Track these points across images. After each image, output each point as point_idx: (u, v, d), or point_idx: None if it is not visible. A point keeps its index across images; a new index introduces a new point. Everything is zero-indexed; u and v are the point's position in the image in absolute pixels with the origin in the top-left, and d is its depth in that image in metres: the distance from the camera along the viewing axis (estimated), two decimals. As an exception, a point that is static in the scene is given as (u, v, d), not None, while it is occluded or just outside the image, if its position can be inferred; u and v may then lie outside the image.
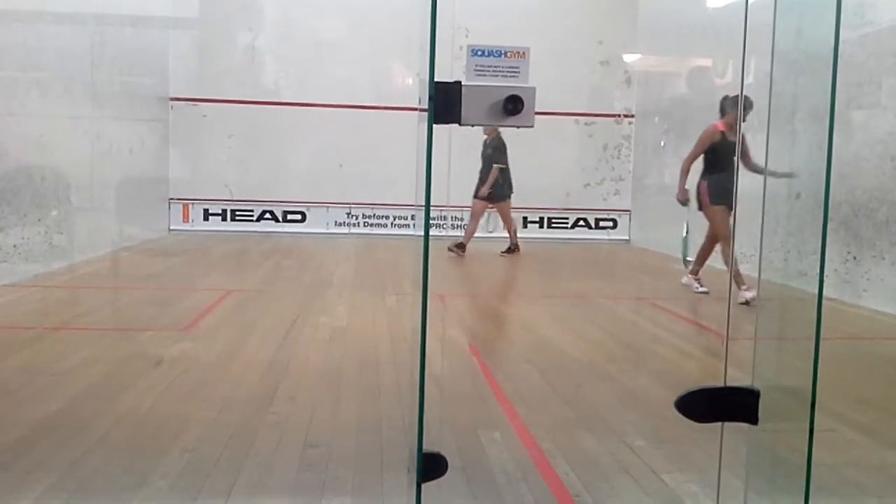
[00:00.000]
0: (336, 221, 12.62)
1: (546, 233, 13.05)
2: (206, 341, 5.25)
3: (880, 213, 6.82)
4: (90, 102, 9.26)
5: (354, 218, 12.63)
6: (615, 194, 13.13)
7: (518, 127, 2.14)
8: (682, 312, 6.75)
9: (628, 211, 13.09)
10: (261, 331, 5.59)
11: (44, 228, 7.85)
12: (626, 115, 13.02)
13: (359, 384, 4.45)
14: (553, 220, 13.13)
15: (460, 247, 10.23)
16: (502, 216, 10.85)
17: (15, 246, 7.26)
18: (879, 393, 4.55)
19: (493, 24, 9.85)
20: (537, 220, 13.12)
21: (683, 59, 11.58)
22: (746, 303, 5.94)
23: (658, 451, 3.31)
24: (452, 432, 3.43)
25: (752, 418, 2.36)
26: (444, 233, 11.85)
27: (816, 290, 2.38)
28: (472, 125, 2.12)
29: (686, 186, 7.37)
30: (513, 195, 10.70)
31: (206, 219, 12.53)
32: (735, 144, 6.30)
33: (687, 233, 7.49)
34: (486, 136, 10.03)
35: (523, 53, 2.13)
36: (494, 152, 10.04)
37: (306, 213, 12.64)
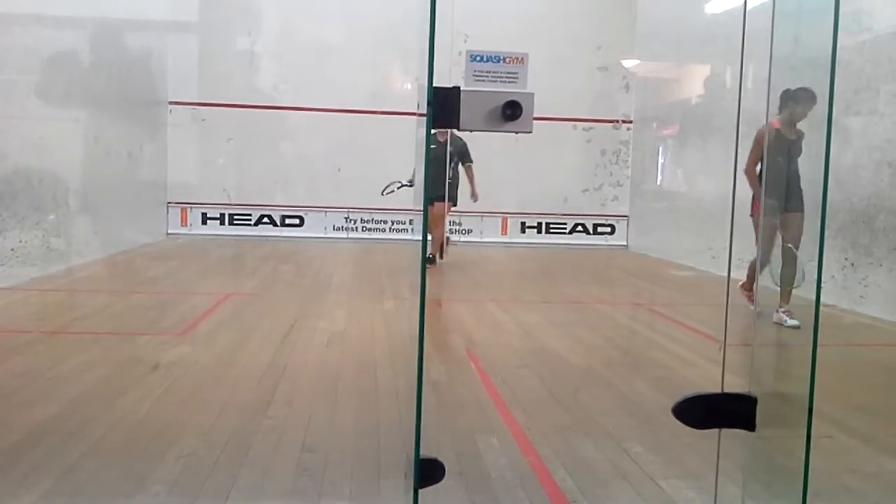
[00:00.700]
0: (334, 226, 12.63)
1: (544, 238, 13.06)
2: (204, 345, 5.24)
3: (878, 220, 6.83)
4: (89, 106, 9.26)
5: (353, 222, 12.64)
6: (613, 200, 13.14)
7: (516, 132, 2.14)
8: (679, 318, 6.75)
9: (626, 216, 13.10)
10: (258, 335, 5.58)
11: (41, 232, 7.84)
12: (624, 121, 13.04)
13: (356, 389, 4.44)
14: (551, 226, 13.14)
15: (430, 259, 9.67)
16: (441, 218, 9.89)
17: (12, 249, 7.25)
18: (877, 400, 4.55)
19: (491, 30, 9.92)
20: (535, 225, 13.14)
21: (682, 65, 11.60)
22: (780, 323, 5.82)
23: (655, 458, 3.31)
24: (450, 438, 3.42)
25: (750, 425, 2.36)
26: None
27: (814, 297, 2.39)
28: (471, 130, 2.13)
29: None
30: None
31: (204, 223, 12.53)
32: (791, 142, 5.82)
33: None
34: (441, 140, 9.08)
35: (522, 59, 2.14)
36: (461, 153, 9.52)
37: (304, 217, 12.64)
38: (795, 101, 6.04)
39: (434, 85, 2.06)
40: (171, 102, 12.24)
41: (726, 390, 2.42)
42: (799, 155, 5.43)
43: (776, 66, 2.38)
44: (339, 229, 12.65)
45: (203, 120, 12.32)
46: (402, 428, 3.52)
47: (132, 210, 10.91)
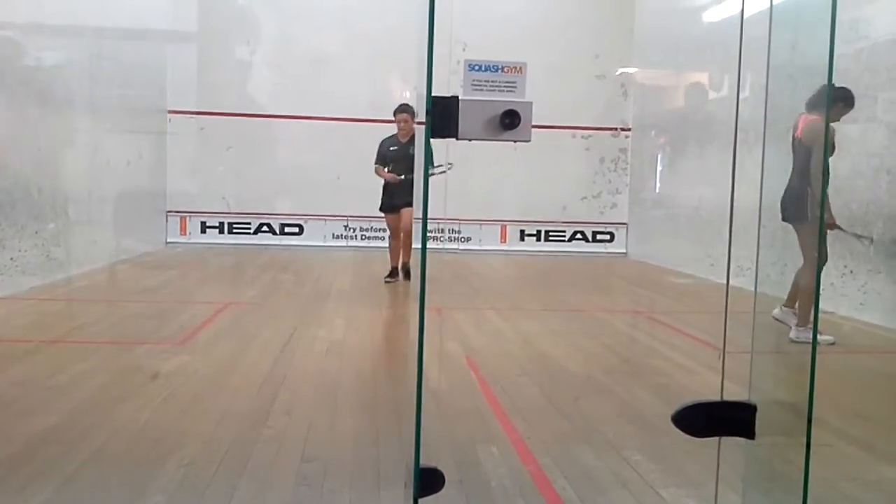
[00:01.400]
0: (333, 234, 12.63)
1: (543, 246, 13.07)
2: (203, 354, 5.24)
3: (876, 227, 6.84)
4: (88, 115, 9.27)
5: (352, 230, 12.64)
6: (612, 207, 13.16)
7: (515, 141, 2.14)
8: (679, 326, 6.75)
9: (625, 224, 13.11)
10: (258, 344, 5.58)
11: (41, 241, 7.84)
12: (622, 129, 13.06)
13: (356, 398, 4.44)
14: (550, 233, 13.15)
15: (394, 273, 8.90)
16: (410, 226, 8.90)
17: (12, 259, 7.25)
18: (877, 407, 4.54)
19: (490, 39, 9.93)
20: (535, 233, 13.15)
21: (680, 72, 11.63)
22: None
23: (655, 466, 3.31)
24: (450, 447, 3.42)
25: (749, 433, 2.36)
26: (441, 245, 11.87)
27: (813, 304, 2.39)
28: (470, 139, 2.13)
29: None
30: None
31: (203, 231, 12.53)
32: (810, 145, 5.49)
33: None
34: (403, 140, 8.56)
35: (520, 68, 2.14)
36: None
37: (304, 225, 12.64)
38: (846, 101, 5.80)
39: (433, 94, 2.06)
40: (170, 111, 12.25)
41: (726, 398, 2.42)
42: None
43: (773, 74, 2.38)
44: (338, 237, 12.65)
45: (202, 129, 12.34)
46: (401, 437, 3.52)
47: (131, 219, 10.91)
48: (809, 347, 2.29)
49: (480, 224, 12.82)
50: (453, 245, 12.60)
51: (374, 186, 8.95)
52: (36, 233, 7.76)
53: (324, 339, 5.82)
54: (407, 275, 8.71)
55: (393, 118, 8.63)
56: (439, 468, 2.19)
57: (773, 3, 2.30)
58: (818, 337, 5.78)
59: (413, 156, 7.97)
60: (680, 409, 2.41)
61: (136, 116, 11.51)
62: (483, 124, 2.12)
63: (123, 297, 7.93)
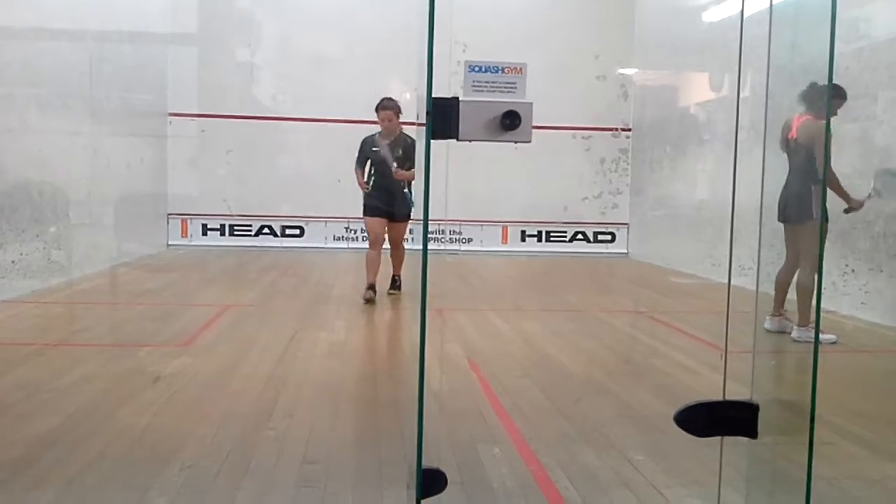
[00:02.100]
0: (334, 236, 12.63)
1: (544, 246, 13.06)
2: (205, 357, 5.24)
3: (877, 226, 6.83)
4: (89, 118, 9.28)
5: (353, 232, 12.63)
6: (613, 208, 13.16)
7: (516, 142, 2.14)
8: (680, 326, 6.75)
9: (626, 224, 13.11)
10: (259, 346, 5.58)
11: (42, 244, 7.85)
12: (623, 129, 13.07)
13: (357, 399, 4.44)
14: (551, 234, 13.15)
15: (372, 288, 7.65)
16: (401, 237, 8.02)
17: (13, 262, 7.26)
18: (879, 406, 4.54)
19: (490, 40, 9.94)
20: (536, 233, 13.15)
21: (680, 72, 11.63)
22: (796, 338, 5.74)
23: (658, 466, 3.31)
24: (452, 447, 3.42)
25: (752, 432, 2.36)
26: (442, 247, 11.86)
27: (814, 303, 2.39)
28: (470, 140, 2.13)
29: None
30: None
31: (204, 234, 12.54)
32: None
33: None
34: (385, 141, 7.54)
35: (520, 69, 2.14)
36: (407, 156, 7.51)
37: (305, 227, 12.65)
38: (836, 96, 5.70)
39: (433, 95, 2.06)
40: (170, 114, 12.26)
41: (728, 398, 2.42)
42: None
43: (774, 74, 2.38)
44: (339, 239, 12.65)
45: (203, 131, 12.35)
46: (403, 438, 3.52)
47: (132, 222, 10.92)
48: (811, 347, 2.29)
49: (482, 225, 12.83)
50: (455, 246, 12.60)
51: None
52: (37, 236, 7.76)
53: (325, 340, 5.82)
54: (396, 286, 7.97)
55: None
56: (441, 469, 2.19)
57: (773, 2, 2.30)
58: (820, 336, 5.80)
59: (400, 158, 7.45)
60: (682, 409, 2.41)
61: (137, 119, 11.52)
62: (483, 125, 2.12)
63: (125, 299, 7.93)
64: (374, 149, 7.60)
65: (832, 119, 5.85)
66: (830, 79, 2.25)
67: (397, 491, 2.94)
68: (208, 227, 12.54)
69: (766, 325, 5.90)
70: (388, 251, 7.91)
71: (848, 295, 7.15)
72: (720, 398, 2.42)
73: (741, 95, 3.10)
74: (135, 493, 2.90)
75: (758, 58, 2.39)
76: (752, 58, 2.52)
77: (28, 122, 7.72)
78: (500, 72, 2.13)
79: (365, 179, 7.70)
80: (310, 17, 12.26)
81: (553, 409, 4.26)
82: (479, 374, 4.93)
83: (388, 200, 7.56)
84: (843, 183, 6.09)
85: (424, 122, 2.08)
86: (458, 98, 2.10)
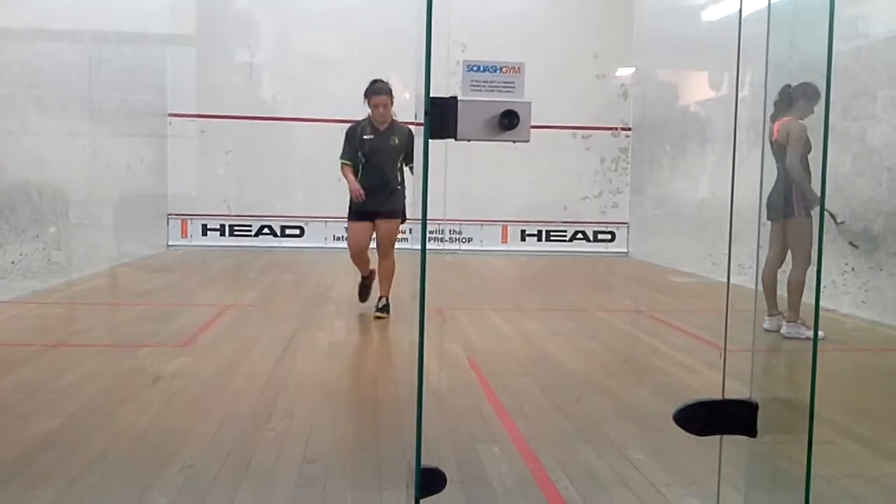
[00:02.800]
0: (334, 236, 12.62)
1: (544, 246, 13.07)
2: (205, 357, 5.24)
3: (877, 225, 6.84)
4: (88, 119, 9.28)
5: (353, 232, 12.62)
6: (613, 207, 13.16)
7: (514, 141, 2.15)
8: (680, 325, 6.75)
9: (626, 223, 13.11)
10: (259, 346, 5.58)
11: (42, 245, 7.85)
12: (622, 128, 13.07)
13: (357, 399, 4.44)
14: (551, 233, 13.15)
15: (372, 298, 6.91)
16: (391, 242, 6.81)
17: (13, 262, 7.26)
18: (878, 404, 4.54)
19: (488, 40, 9.94)
20: (536, 233, 13.15)
21: (679, 71, 11.63)
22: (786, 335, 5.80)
23: (657, 465, 3.31)
24: (451, 447, 3.42)
25: (751, 431, 2.36)
26: (441, 246, 11.86)
27: (814, 302, 2.39)
28: (469, 140, 2.13)
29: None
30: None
31: (204, 234, 12.54)
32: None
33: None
34: (381, 128, 6.61)
35: (518, 68, 2.15)
36: (407, 148, 6.63)
37: (305, 227, 12.65)
38: (806, 97, 5.77)
39: (431, 95, 2.06)
40: (170, 114, 12.26)
41: (727, 396, 2.42)
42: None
43: (773, 72, 2.39)
44: (339, 239, 12.63)
45: (203, 132, 12.35)
46: (403, 437, 3.52)
47: (132, 222, 10.92)
48: (810, 345, 2.29)
49: (481, 224, 12.83)
50: (454, 246, 12.61)
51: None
52: (37, 236, 7.76)
53: (325, 340, 5.82)
54: (384, 309, 6.61)
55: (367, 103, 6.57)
56: (441, 468, 2.19)
57: (772, 1, 2.30)
58: (807, 331, 5.83)
59: (397, 149, 6.54)
60: (681, 408, 2.41)
61: (137, 120, 11.52)
62: (482, 125, 2.12)
63: (125, 300, 7.93)
64: (365, 137, 6.58)
65: (810, 119, 5.90)
66: (829, 77, 2.25)
67: (397, 490, 2.94)
68: (208, 227, 12.54)
69: (765, 324, 5.92)
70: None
71: (848, 293, 7.15)
72: (719, 397, 2.42)
73: (740, 94, 3.11)
74: (135, 492, 2.91)
75: (757, 57, 2.39)
76: (751, 57, 2.52)
77: (28, 123, 7.72)
78: (498, 71, 2.13)
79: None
80: (308, 17, 12.26)
81: (553, 407, 4.27)
82: (478, 373, 4.93)
83: (379, 199, 6.53)
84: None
85: (423, 121, 2.08)
86: (456, 97, 2.10)
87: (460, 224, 12.67)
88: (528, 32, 11.85)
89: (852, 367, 5.40)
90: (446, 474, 2.20)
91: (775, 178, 5.45)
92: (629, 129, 13.06)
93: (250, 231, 12.61)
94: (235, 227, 12.58)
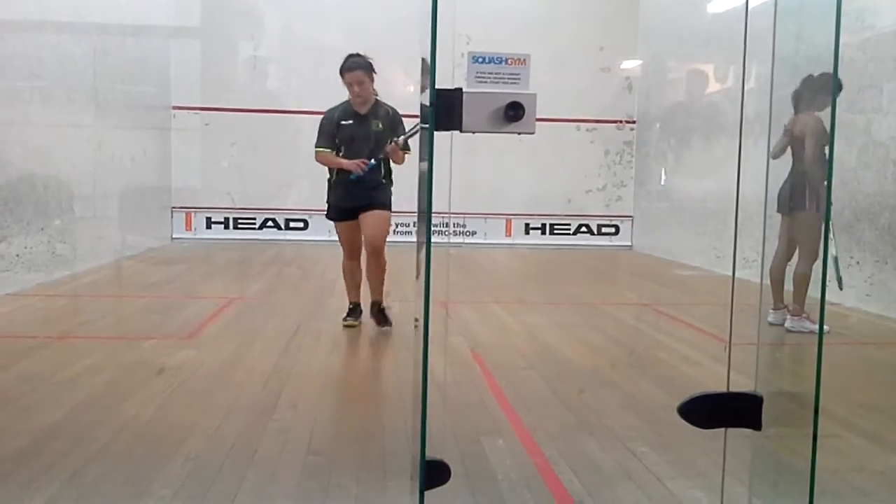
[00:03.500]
0: (338, 229, 12.62)
1: (548, 239, 13.05)
2: (209, 349, 5.25)
3: (882, 218, 6.81)
4: (92, 111, 9.28)
5: (356, 225, 12.63)
6: (617, 200, 13.14)
7: (519, 133, 2.14)
8: (684, 318, 6.74)
9: (631, 217, 13.09)
10: (263, 338, 5.58)
11: (46, 237, 7.86)
12: (627, 121, 13.04)
13: (361, 391, 4.45)
14: (555, 227, 13.14)
15: (355, 311, 6.07)
16: (381, 238, 5.89)
17: (18, 255, 7.27)
18: (883, 398, 4.53)
19: (494, 32, 9.92)
20: (540, 226, 13.13)
21: (685, 64, 11.60)
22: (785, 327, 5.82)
23: (661, 458, 3.30)
24: (455, 439, 3.42)
25: (756, 424, 2.36)
26: (445, 239, 11.86)
27: (819, 295, 2.38)
28: (474, 132, 2.13)
29: None
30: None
31: (208, 227, 12.55)
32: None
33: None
34: (362, 111, 5.84)
35: (524, 60, 2.14)
36: (393, 130, 5.76)
37: (309, 220, 12.65)
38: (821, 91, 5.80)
39: (436, 87, 2.06)
40: (174, 107, 12.26)
41: (732, 389, 2.41)
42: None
43: (779, 65, 2.37)
44: (343, 232, 12.65)
45: (206, 124, 12.35)
46: (407, 430, 3.52)
47: (136, 215, 10.93)
48: (814, 338, 2.28)
49: (485, 218, 12.82)
50: (458, 239, 12.60)
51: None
52: (42, 229, 7.77)
53: (329, 333, 5.82)
54: (382, 317, 5.87)
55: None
56: (445, 461, 2.19)
57: (778, -7, 2.29)
58: (811, 325, 5.83)
59: (381, 135, 5.70)
60: (686, 401, 2.41)
61: (141, 112, 11.52)
62: (487, 116, 2.12)
63: (129, 292, 7.94)
64: (342, 122, 5.84)
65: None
66: (836, 70, 2.24)
67: (401, 482, 2.94)
68: (212, 220, 12.55)
69: (770, 318, 5.91)
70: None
71: (853, 287, 7.13)
72: (724, 390, 2.41)
73: (746, 87, 3.09)
74: (139, 484, 2.91)
75: (763, 49, 2.38)
76: (757, 49, 2.51)
77: (32, 116, 7.73)
78: (503, 63, 2.13)
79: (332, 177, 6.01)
80: (313, 10, 12.24)
81: (557, 400, 4.26)
82: (482, 366, 4.93)
83: (361, 195, 5.74)
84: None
85: (427, 113, 2.07)
86: (461, 89, 2.09)
87: (464, 217, 12.66)
88: (533, 25, 11.81)
89: (857, 361, 5.39)
90: (451, 467, 2.20)
91: (788, 170, 5.39)
92: (634, 122, 13.03)
93: (254, 224, 12.61)
94: (239, 220, 12.59)
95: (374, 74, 5.86)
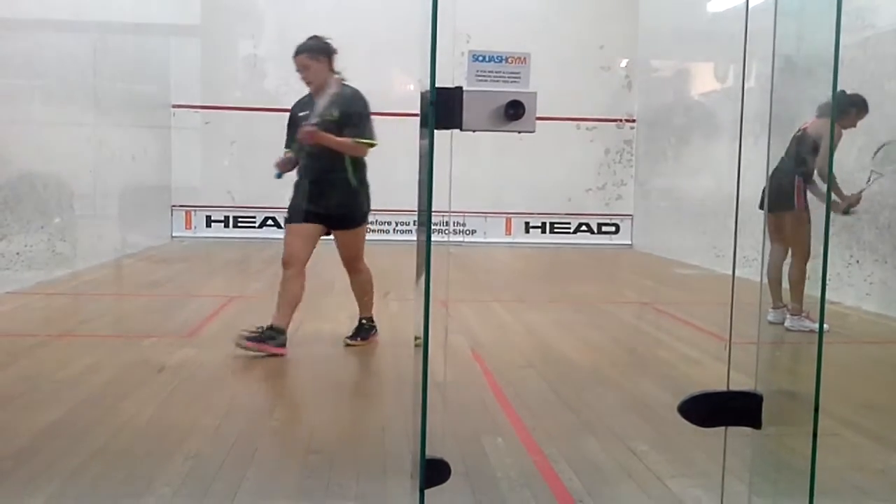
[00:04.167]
0: (338, 227, 12.62)
1: (548, 238, 13.06)
2: (209, 348, 5.24)
3: (882, 217, 6.81)
4: (92, 110, 9.28)
5: (356, 224, 12.63)
6: (617, 199, 13.14)
7: (519, 132, 2.14)
8: (684, 317, 6.74)
9: (631, 215, 13.09)
10: (263, 337, 5.57)
11: (46, 236, 7.86)
12: (627, 120, 13.04)
13: (361, 390, 4.45)
14: (555, 225, 13.14)
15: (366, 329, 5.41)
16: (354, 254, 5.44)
17: (18, 253, 7.27)
18: (883, 397, 4.54)
19: (494, 30, 9.91)
20: (540, 224, 13.14)
21: (685, 63, 11.59)
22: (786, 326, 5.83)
23: (661, 456, 3.31)
24: (455, 438, 3.42)
25: (756, 423, 2.36)
26: (445, 238, 11.86)
27: (819, 294, 2.38)
28: (474, 130, 2.13)
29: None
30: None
31: (208, 225, 12.55)
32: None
33: None
34: (317, 94, 5.25)
35: (524, 59, 2.14)
36: (346, 118, 5.07)
37: (308, 219, 12.64)
38: (859, 107, 5.92)
39: (437, 85, 2.06)
40: (174, 106, 12.26)
41: (732, 388, 2.41)
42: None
43: (779, 64, 2.37)
44: (342, 231, 12.65)
45: (207, 123, 12.35)
46: (407, 429, 3.52)
47: (136, 213, 10.93)
48: (814, 337, 2.28)
49: (485, 216, 12.82)
50: (458, 238, 12.60)
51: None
52: (42, 227, 7.77)
53: (328, 332, 5.82)
54: (366, 331, 5.35)
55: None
56: (445, 459, 2.19)
57: (778, -9, 2.29)
58: (810, 324, 5.83)
59: (328, 124, 5.02)
60: (686, 400, 2.41)
61: (141, 111, 11.52)
62: (487, 115, 2.12)
63: (129, 291, 7.94)
64: (300, 114, 5.31)
65: (851, 130, 6.07)
66: (836, 70, 2.24)
67: (401, 481, 2.94)
68: (212, 218, 12.55)
69: (769, 317, 5.91)
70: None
71: (852, 286, 7.13)
72: (724, 388, 2.41)
73: (746, 86, 3.09)
74: (139, 483, 2.91)
75: (763, 48, 2.38)
76: (758, 48, 2.51)
77: (32, 114, 7.73)
78: (503, 61, 2.13)
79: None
80: (313, 8, 12.22)
81: (557, 399, 4.27)
82: (482, 365, 4.93)
83: (328, 200, 5.08)
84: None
85: (426, 112, 2.07)
86: (461, 88, 2.09)
87: (464, 216, 12.66)
88: (533, 23, 11.81)
89: (857, 360, 5.39)
90: (451, 465, 2.20)
91: (777, 165, 5.37)
92: (634, 121, 13.02)
93: (254, 223, 12.61)
94: (239, 219, 12.59)
95: (326, 57, 5.21)
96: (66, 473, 2.98)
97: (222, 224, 12.59)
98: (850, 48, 6.95)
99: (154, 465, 3.08)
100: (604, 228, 13.16)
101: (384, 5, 11.64)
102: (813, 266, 5.61)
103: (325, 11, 12.16)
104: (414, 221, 12.47)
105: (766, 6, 2.32)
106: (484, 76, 2.12)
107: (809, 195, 5.67)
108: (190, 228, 12.52)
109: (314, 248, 5.26)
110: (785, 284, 5.92)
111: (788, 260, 5.91)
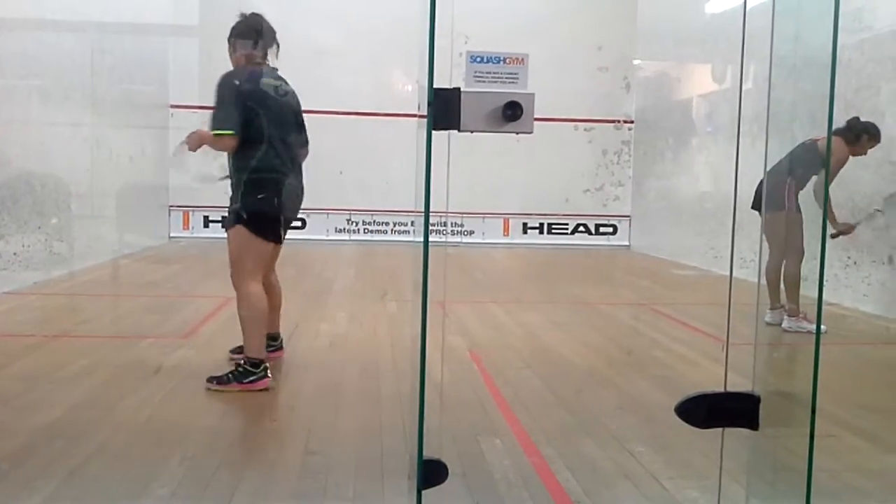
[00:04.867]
0: (336, 228, 12.63)
1: (546, 238, 13.06)
2: (206, 349, 5.23)
3: (880, 218, 6.82)
4: (90, 110, 9.27)
5: (354, 224, 12.64)
6: (615, 200, 13.14)
7: (517, 133, 2.14)
8: (682, 318, 6.75)
9: (628, 216, 13.10)
10: (261, 338, 5.56)
11: (44, 236, 7.85)
12: (625, 121, 13.05)
13: (359, 391, 4.44)
14: (553, 226, 13.14)
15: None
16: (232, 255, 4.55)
17: (15, 253, 7.26)
18: (880, 398, 4.54)
19: (492, 31, 9.91)
20: (537, 225, 13.14)
21: (683, 64, 11.60)
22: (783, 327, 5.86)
23: (659, 457, 3.31)
24: (453, 439, 3.42)
25: (753, 424, 2.36)
26: (443, 239, 11.86)
27: (816, 295, 2.38)
28: (472, 131, 2.13)
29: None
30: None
31: (206, 226, 12.53)
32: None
33: None
34: (251, 65, 4.86)
35: (522, 60, 2.14)
36: (217, 105, 4.61)
37: (306, 219, 12.63)
38: (872, 135, 6.01)
39: (434, 86, 2.06)
40: (172, 106, 12.24)
41: (729, 389, 2.42)
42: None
43: (776, 65, 2.38)
44: (340, 231, 12.65)
45: (205, 123, 12.31)
46: (404, 430, 3.52)
47: (134, 214, 10.92)
48: (812, 338, 2.29)
49: (483, 217, 12.82)
50: (456, 238, 12.60)
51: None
52: (39, 228, 7.76)
53: (326, 332, 5.82)
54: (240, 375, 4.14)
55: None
56: (443, 460, 2.20)
57: (776, -7, 2.30)
58: (808, 325, 5.83)
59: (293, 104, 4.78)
60: (683, 401, 2.41)
61: (139, 111, 11.51)
62: (485, 116, 2.12)
63: (126, 291, 7.93)
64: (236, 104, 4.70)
65: (862, 157, 6.16)
66: (833, 70, 2.24)
67: (398, 481, 2.94)
68: (210, 219, 12.53)
69: (767, 318, 5.92)
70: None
71: (850, 287, 7.14)
72: (721, 390, 2.42)
73: (744, 87, 3.09)
74: (137, 484, 2.91)
75: (761, 49, 2.38)
76: (755, 49, 2.52)
77: (30, 114, 7.71)
78: (501, 62, 2.13)
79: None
80: (311, 9, 12.22)
81: (554, 400, 4.27)
82: (480, 365, 4.93)
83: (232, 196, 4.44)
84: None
85: (426, 113, 2.07)
86: (459, 89, 2.09)
87: (462, 217, 12.66)
88: (531, 24, 11.81)
89: (854, 361, 5.39)
90: (448, 466, 2.20)
91: (771, 168, 5.39)
92: (632, 122, 13.03)
93: (252, 223, 12.58)
94: (237, 219, 12.56)
95: (230, 41, 4.91)
96: (63, 474, 2.98)
97: (220, 224, 12.57)
98: (847, 49, 6.96)
99: (152, 465, 3.07)
100: (601, 229, 13.17)
101: (383, 6, 11.64)
102: (810, 267, 5.63)
103: (324, 12, 12.18)
104: (412, 222, 12.46)
105: (764, 7, 2.32)
106: (482, 77, 2.12)
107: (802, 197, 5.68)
108: (187, 229, 12.51)
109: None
110: (782, 285, 5.94)
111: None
